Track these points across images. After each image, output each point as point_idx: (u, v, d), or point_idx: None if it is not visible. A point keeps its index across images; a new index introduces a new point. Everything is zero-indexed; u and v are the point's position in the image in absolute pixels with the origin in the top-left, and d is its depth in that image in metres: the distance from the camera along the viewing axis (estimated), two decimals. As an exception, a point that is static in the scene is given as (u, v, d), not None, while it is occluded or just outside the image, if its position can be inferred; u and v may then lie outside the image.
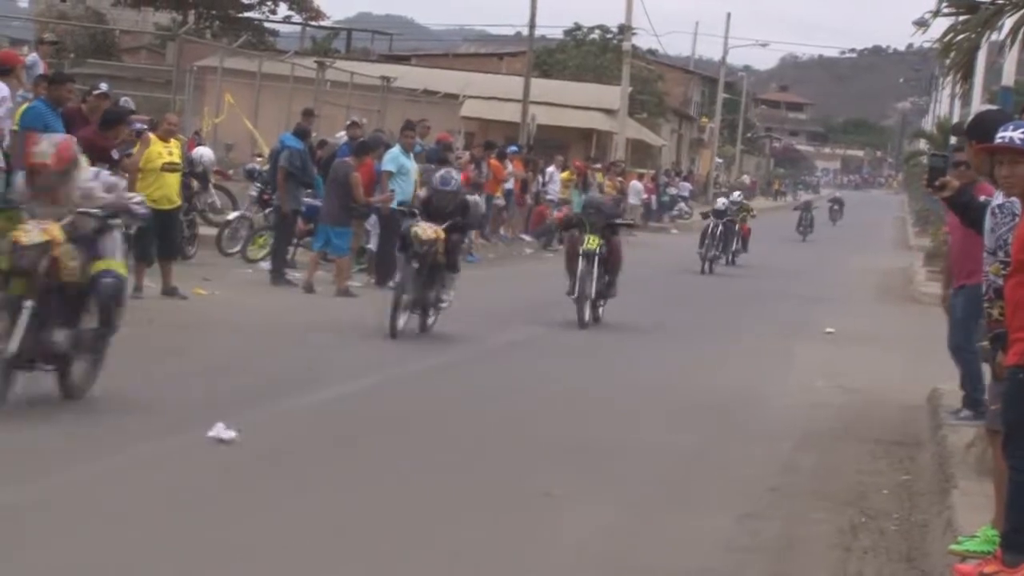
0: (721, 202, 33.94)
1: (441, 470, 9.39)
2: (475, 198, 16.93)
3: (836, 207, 64.72)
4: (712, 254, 30.95)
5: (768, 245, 39.83)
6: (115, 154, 14.65)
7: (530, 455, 10.11)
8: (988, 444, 8.51)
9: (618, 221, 19.52)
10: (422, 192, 18.05)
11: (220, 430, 9.37)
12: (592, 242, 18.30)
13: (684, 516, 8.66)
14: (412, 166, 21.36)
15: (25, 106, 15.56)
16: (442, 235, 15.75)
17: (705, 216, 33.24)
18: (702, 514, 8.72)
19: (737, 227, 33.88)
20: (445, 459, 9.78)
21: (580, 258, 18.26)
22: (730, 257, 33.48)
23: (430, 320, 16.27)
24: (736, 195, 37.47)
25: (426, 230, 15.60)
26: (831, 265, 36.95)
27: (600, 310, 18.74)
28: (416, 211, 16.29)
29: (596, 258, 18.26)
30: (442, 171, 17.02)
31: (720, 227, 31.46)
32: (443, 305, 16.28)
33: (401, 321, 15.48)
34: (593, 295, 18.30)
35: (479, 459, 9.88)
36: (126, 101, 17.20)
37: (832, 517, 8.87)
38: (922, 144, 64.28)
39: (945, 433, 11.21)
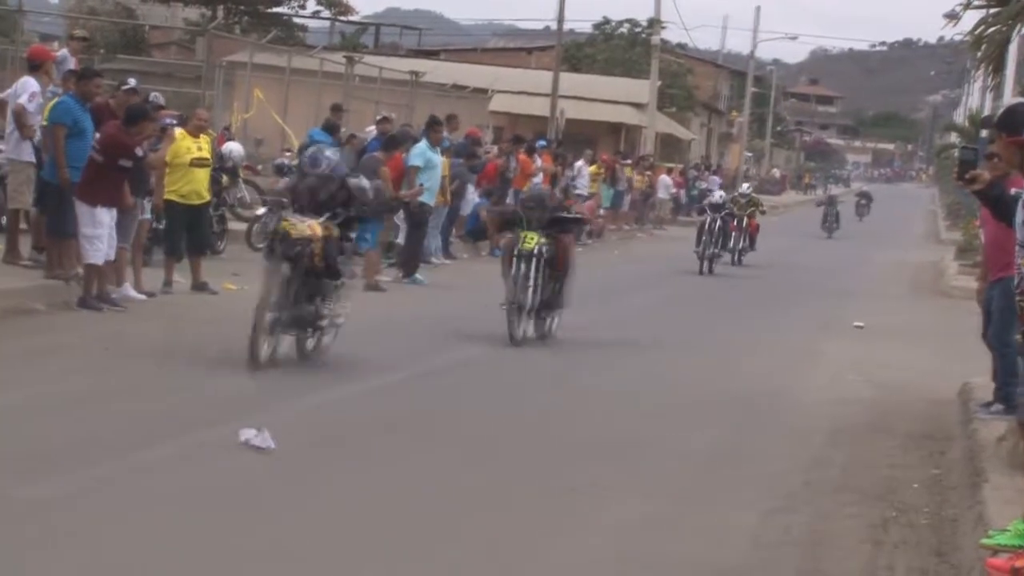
0: (718, 195, 31.13)
1: (470, 467, 9.38)
2: (360, 181, 13.49)
3: (863, 202, 62.07)
4: (711, 252, 28.36)
5: (790, 240, 39.58)
6: (139, 151, 14.67)
7: (558, 452, 10.10)
8: (1020, 438, 8.47)
9: (566, 215, 16.67)
10: (284, 181, 14.82)
11: (251, 435, 9.15)
12: (530, 240, 15.28)
13: (713, 511, 8.64)
14: (439, 161, 21.37)
15: (54, 101, 15.61)
16: (319, 231, 12.50)
17: (701, 212, 30.61)
18: (732, 509, 8.69)
19: (744, 223, 31.55)
20: (473, 456, 9.77)
21: (516, 260, 15.23)
22: (735, 256, 31.08)
23: (309, 343, 12.92)
24: (745, 187, 35.16)
25: (297, 225, 12.46)
26: (859, 261, 36.20)
27: (550, 324, 15.83)
28: (284, 201, 13.07)
29: (536, 260, 15.24)
30: (311, 149, 14.23)
31: (718, 222, 28.73)
32: (324, 323, 12.91)
33: (265, 347, 12.10)
34: (533, 305, 15.32)
35: (507, 456, 9.86)
36: (156, 96, 17.23)
37: (863, 511, 8.84)
38: (953, 137, 64.05)
39: (976, 427, 11.17)
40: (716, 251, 28.52)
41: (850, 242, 44.79)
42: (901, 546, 8.05)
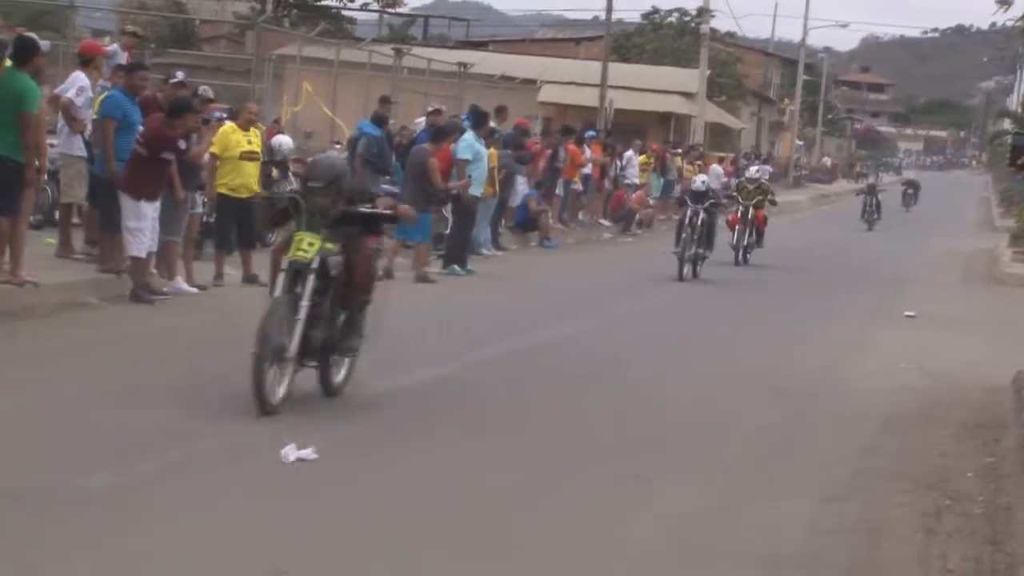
0: (700, 180, 25.18)
1: (524, 455, 9.39)
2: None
3: (910, 191, 58.34)
4: (694, 252, 22.91)
5: (824, 231, 38.79)
6: (182, 144, 14.72)
7: (610, 442, 10.09)
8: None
9: (374, 210, 10.79)
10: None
11: (291, 451, 8.71)
12: (305, 246, 10.18)
13: (767, 499, 8.62)
14: (485, 152, 21.40)
15: (103, 95, 15.69)
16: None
17: (681, 202, 24.74)
18: (785, 497, 8.67)
19: (750, 214, 27.21)
20: (527, 445, 9.77)
21: (282, 276, 10.22)
22: (739, 255, 26.91)
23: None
24: (753, 171, 30.17)
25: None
26: (906, 251, 35.22)
27: (338, 376, 10.80)
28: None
29: (314, 277, 10.14)
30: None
31: (701, 216, 23.11)
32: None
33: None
34: (292, 349, 9.99)
35: (562, 444, 9.86)
36: (204, 90, 17.28)
37: (916, 500, 8.77)
38: (1006, 124, 63.45)
39: (1031, 415, 11.07)
40: (701, 251, 23.13)
41: (893, 233, 42.41)
42: (955, 535, 7.99)
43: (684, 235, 22.72)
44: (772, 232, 28.53)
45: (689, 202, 23.61)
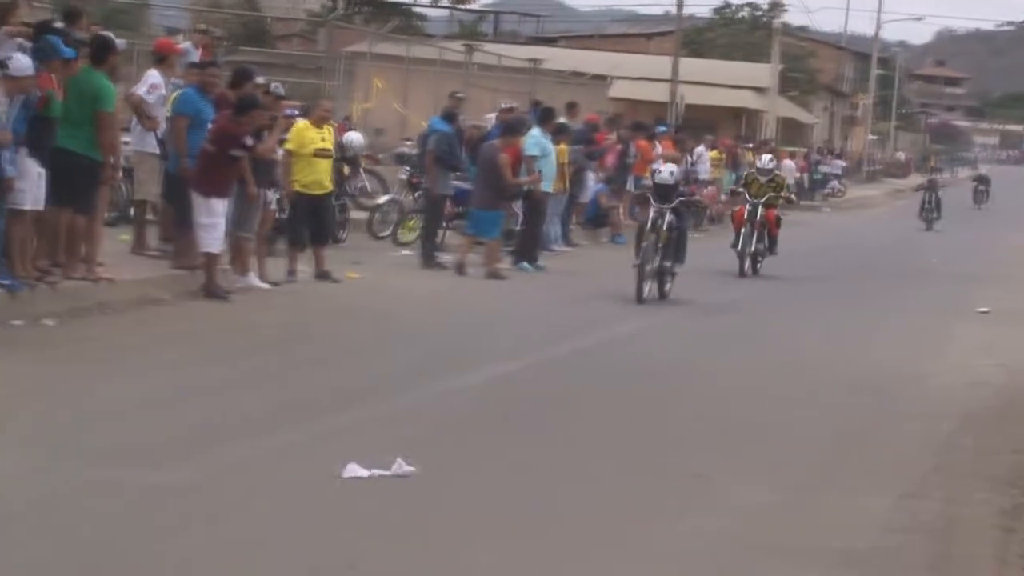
0: (668, 171, 18.89)
1: (591, 451, 9.37)
2: None
3: (981, 187, 55.37)
4: (657, 265, 17.92)
5: (877, 232, 38.03)
6: (248, 140, 14.76)
7: (683, 436, 10.06)
8: None
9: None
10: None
11: (356, 470, 8.22)
12: None
13: (842, 496, 8.55)
14: (552, 148, 21.38)
15: (177, 93, 15.80)
16: None
17: (641, 201, 19.51)
18: (860, 494, 8.60)
19: (760, 214, 22.70)
20: (595, 440, 9.76)
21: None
22: (745, 265, 22.48)
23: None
24: (766, 160, 24.90)
25: None
26: (978, 250, 34.09)
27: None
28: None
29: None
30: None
31: (667, 218, 18.12)
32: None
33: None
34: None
35: (628, 440, 9.83)
36: (276, 87, 17.36)
37: (993, 497, 8.68)
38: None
39: (1110, 412, 10.92)
40: (668, 264, 18.13)
41: (963, 230, 39.56)
42: (1033, 532, 7.90)
43: (645, 243, 17.73)
44: (833, 229, 27.72)
45: (653, 200, 18.27)
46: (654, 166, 20.22)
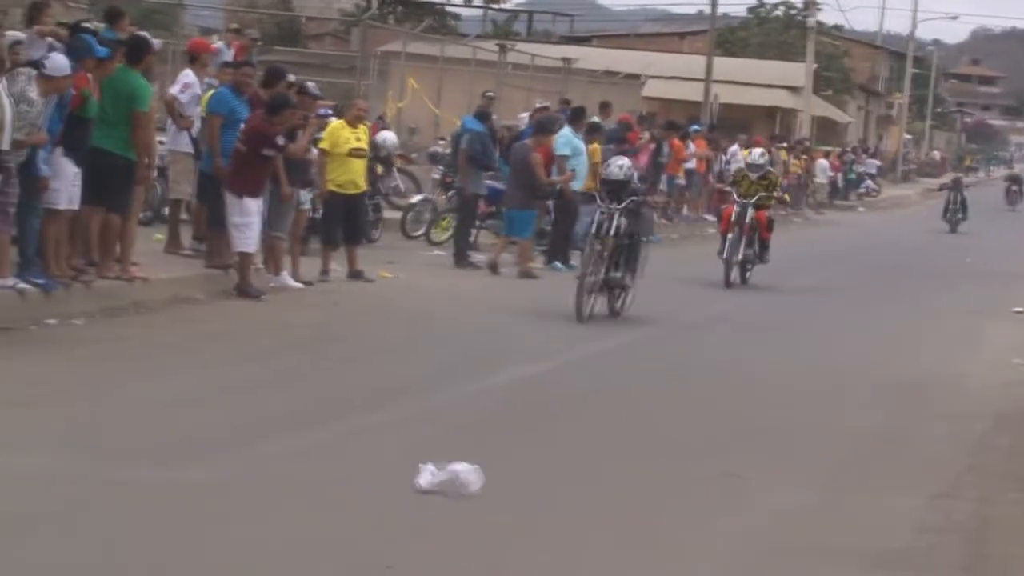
0: (619, 166, 15.97)
1: (625, 451, 9.36)
2: None
3: (1014, 187, 53.35)
4: (605, 277, 15.32)
5: (911, 232, 37.61)
6: (280, 140, 14.78)
7: (716, 436, 10.04)
8: None
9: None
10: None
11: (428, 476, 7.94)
12: None
13: (875, 496, 8.52)
14: (583, 147, 21.37)
15: (211, 92, 15.85)
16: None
17: (589, 198, 17.02)
18: (894, 494, 8.57)
19: (750, 216, 20.08)
20: (628, 440, 9.75)
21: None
22: (732, 273, 19.96)
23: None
24: (757, 154, 21.94)
25: None
26: (1012, 250, 32.88)
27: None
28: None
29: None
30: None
31: (615, 222, 15.33)
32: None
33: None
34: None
35: (662, 440, 9.82)
36: (311, 87, 17.39)
37: (1028, 498, 8.65)
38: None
39: None
40: (618, 276, 15.44)
41: (988, 233, 37.39)
42: (1068, 533, 7.86)
43: (590, 252, 15.15)
44: (866, 229, 27.36)
45: (601, 199, 15.63)
46: (608, 161, 16.83)
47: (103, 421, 9.01)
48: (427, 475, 7.79)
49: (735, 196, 20.62)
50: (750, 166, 21.22)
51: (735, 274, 20.03)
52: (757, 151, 22.24)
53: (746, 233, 19.99)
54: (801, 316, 17.85)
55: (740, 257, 20.01)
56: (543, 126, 20.60)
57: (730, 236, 19.97)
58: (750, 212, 20.11)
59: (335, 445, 8.83)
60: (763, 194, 20.45)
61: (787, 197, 22.32)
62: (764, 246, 20.56)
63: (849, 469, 9.36)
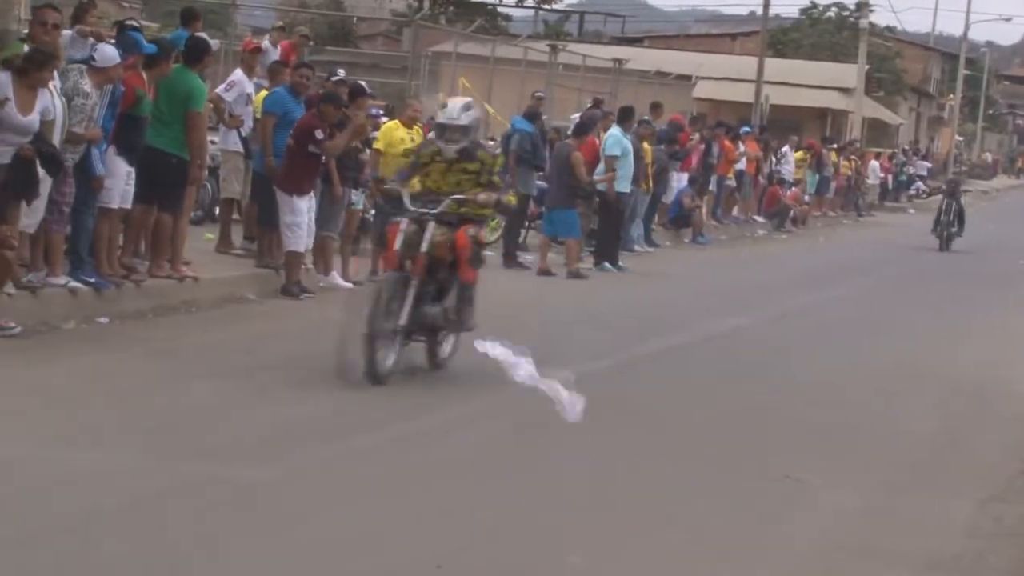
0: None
1: (680, 452, 9.35)
2: None
3: None
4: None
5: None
6: (319, 134, 14.78)
7: (770, 439, 10.01)
8: None
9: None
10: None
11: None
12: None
13: (926, 500, 8.50)
14: (630, 148, 21.35)
15: (266, 92, 15.92)
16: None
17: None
18: (945, 498, 8.55)
19: (430, 241, 10.86)
20: (683, 441, 9.74)
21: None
22: (379, 360, 10.56)
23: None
24: (458, 109, 11.46)
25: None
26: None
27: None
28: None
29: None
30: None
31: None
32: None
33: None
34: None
35: (717, 441, 9.80)
36: (353, 81, 17.45)
37: (1079, 503, 8.60)
38: None
39: None
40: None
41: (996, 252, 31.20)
42: (1120, 538, 7.81)
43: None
44: (915, 231, 27.11)
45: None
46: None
47: (160, 420, 9.06)
48: (522, 369, 7.76)
49: (408, 204, 11.23)
50: (443, 127, 11.33)
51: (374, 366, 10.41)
52: (458, 103, 11.73)
53: (417, 275, 10.82)
54: (854, 317, 17.75)
55: (403, 322, 10.69)
56: (583, 125, 20.60)
57: (381, 286, 10.91)
58: (431, 231, 10.89)
59: (393, 445, 8.86)
60: (458, 196, 11.24)
61: (512, 199, 12.51)
62: (464, 296, 11.28)
63: (903, 471, 9.33)
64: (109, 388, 9.84)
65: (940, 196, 33.75)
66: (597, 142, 21.25)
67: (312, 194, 15.03)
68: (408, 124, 17.32)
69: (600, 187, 20.75)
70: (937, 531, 7.78)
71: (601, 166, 20.92)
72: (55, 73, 11.73)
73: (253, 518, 7.07)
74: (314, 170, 14.96)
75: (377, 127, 17.46)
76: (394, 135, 17.05)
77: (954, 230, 30.80)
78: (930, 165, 60.77)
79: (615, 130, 21.42)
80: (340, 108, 15.24)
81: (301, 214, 14.79)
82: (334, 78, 17.80)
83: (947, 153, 75.39)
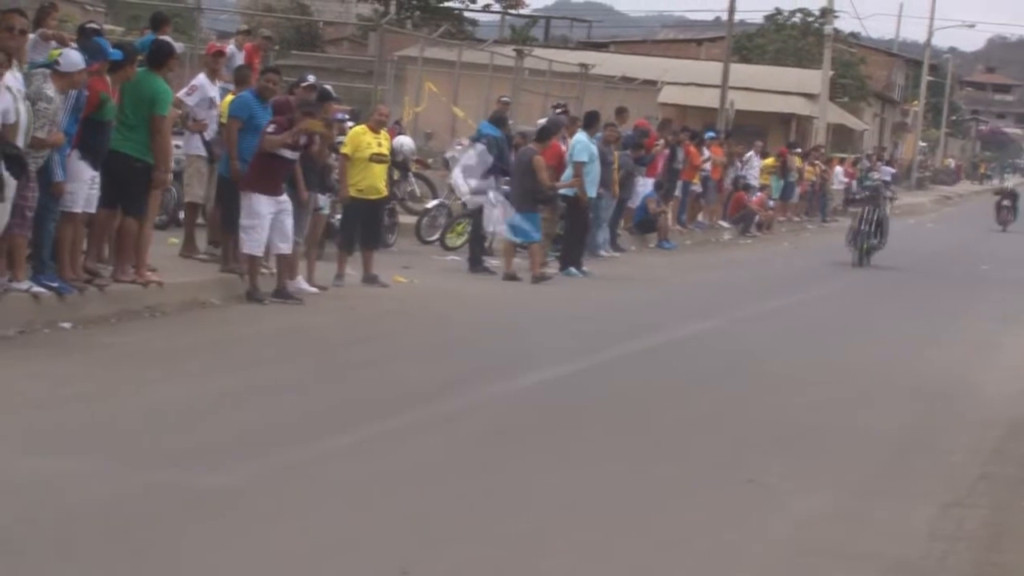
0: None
1: (649, 456, 9.36)
2: None
3: (1006, 202, 44.68)
4: None
5: (926, 238, 37.32)
6: (270, 127, 14.77)
7: (735, 443, 10.03)
8: None
9: None
10: None
11: None
12: None
13: (891, 503, 8.52)
14: (596, 153, 21.38)
15: (231, 97, 15.88)
16: None
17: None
18: (909, 501, 8.57)
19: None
20: (651, 444, 9.76)
21: None
22: None
23: None
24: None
25: None
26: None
27: None
28: None
29: None
30: None
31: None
32: None
33: None
34: None
35: (686, 445, 9.83)
36: (328, 90, 17.40)
37: (1042, 506, 8.65)
38: None
39: None
40: None
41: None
42: (1082, 541, 7.85)
43: None
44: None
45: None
46: None
47: (123, 425, 9.02)
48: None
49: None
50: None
51: None
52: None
53: None
54: (821, 321, 17.81)
55: None
56: (547, 130, 20.60)
57: None
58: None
59: (358, 450, 8.84)
60: None
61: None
62: None
63: (868, 475, 9.35)
64: (72, 393, 9.79)
65: (858, 203, 28.52)
66: (563, 147, 21.27)
67: (279, 199, 14.92)
68: (375, 129, 17.32)
69: (567, 192, 20.78)
70: (901, 534, 7.81)
71: (569, 171, 20.95)
72: (20, 76, 11.68)
73: (216, 524, 7.04)
74: (276, 171, 14.86)
75: (344, 132, 17.45)
76: (361, 140, 17.05)
77: (874, 242, 26.66)
78: (894, 170, 61.01)
79: (582, 135, 21.44)
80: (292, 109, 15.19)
81: (258, 216, 14.71)
82: (304, 83, 17.75)
83: (910, 159, 75.78)
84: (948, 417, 11.70)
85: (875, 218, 26.77)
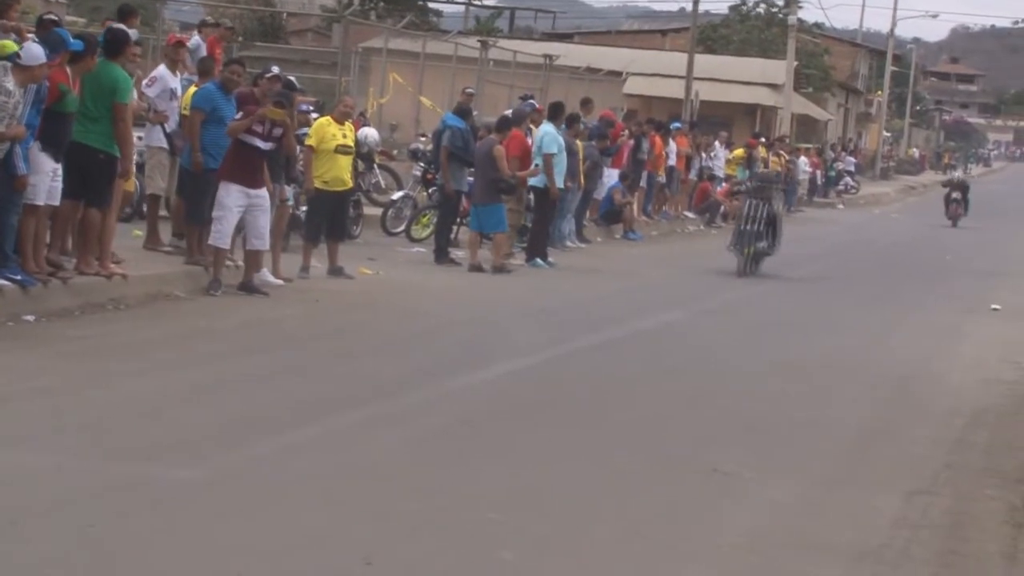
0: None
1: (611, 446, 9.38)
2: None
3: (955, 195, 40.48)
4: None
5: (890, 229, 37.73)
6: (238, 115, 14.75)
7: (700, 432, 10.07)
8: None
9: None
10: None
11: None
12: None
13: (855, 493, 8.57)
14: (563, 144, 21.39)
15: (194, 88, 15.82)
16: None
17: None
18: (873, 491, 8.61)
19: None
20: (615, 436, 9.76)
21: None
22: None
23: None
24: None
25: None
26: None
27: None
28: None
29: None
30: None
31: None
32: None
33: None
34: None
35: (649, 436, 9.85)
36: (292, 81, 17.37)
37: (1004, 494, 8.71)
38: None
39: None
40: None
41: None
42: (1044, 529, 7.90)
43: None
44: (849, 225, 27.43)
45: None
46: None
47: (87, 418, 8.98)
48: None
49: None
50: None
51: None
52: None
53: None
54: (785, 312, 17.87)
55: None
56: (507, 120, 20.57)
57: None
58: None
59: (322, 443, 8.82)
60: None
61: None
62: None
63: (831, 464, 9.39)
64: (35, 387, 9.74)
65: (744, 196, 23.50)
66: (528, 140, 21.25)
67: (252, 193, 14.81)
68: (340, 120, 17.29)
69: (536, 184, 20.79)
70: (865, 523, 7.84)
71: (538, 161, 20.93)
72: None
73: (180, 518, 7.02)
74: (249, 162, 14.76)
75: (308, 124, 17.40)
76: (326, 131, 17.02)
77: (763, 244, 21.92)
78: (857, 161, 61.23)
79: (548, 127, 21.43)
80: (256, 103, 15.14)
81: (226, 208, 14.66)
82: (268, 75, 17.69)
83: (874, 149, 76.03)
84: (911, 407, 11.76)
85: (763, 215, 21.89)
